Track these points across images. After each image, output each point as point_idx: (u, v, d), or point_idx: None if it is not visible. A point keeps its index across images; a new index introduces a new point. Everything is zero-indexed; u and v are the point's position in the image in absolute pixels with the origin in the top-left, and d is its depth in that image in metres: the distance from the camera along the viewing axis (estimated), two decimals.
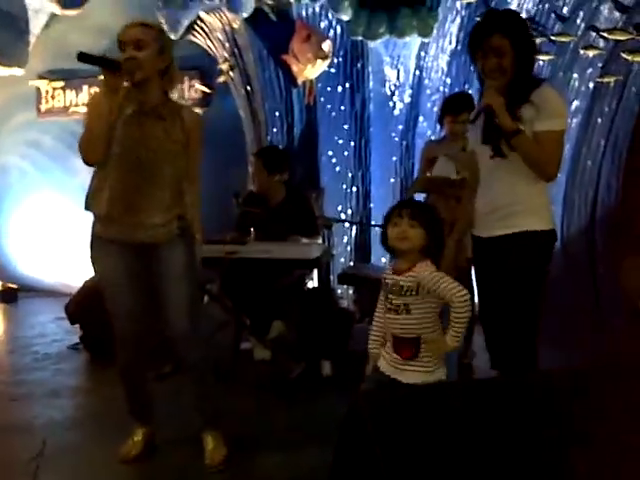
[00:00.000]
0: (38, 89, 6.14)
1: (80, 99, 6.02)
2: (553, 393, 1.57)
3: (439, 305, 2.07)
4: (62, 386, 3.44)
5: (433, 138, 4.46)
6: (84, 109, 5.87)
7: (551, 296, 4.47)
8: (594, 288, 4.85)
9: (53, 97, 6.13)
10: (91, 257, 2.46)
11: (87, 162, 2.33)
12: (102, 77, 2.26)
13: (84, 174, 6.55)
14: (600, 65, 4.55)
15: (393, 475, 1.43)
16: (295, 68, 4.44)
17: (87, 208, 2.41)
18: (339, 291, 4.50)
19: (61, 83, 6.04)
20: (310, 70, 4.35)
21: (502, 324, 2.28)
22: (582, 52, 4.48)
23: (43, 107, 6.19)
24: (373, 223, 4.78)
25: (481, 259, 2.40)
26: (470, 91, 4.75)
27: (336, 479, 1.67)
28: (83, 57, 2.24)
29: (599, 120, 4.71)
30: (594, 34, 4.45)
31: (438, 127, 4.03)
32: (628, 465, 1.43)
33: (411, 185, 4.62)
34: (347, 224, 4.85)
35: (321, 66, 4.35)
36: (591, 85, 4.61)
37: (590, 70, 4.57)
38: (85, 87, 5.97)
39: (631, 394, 1.60)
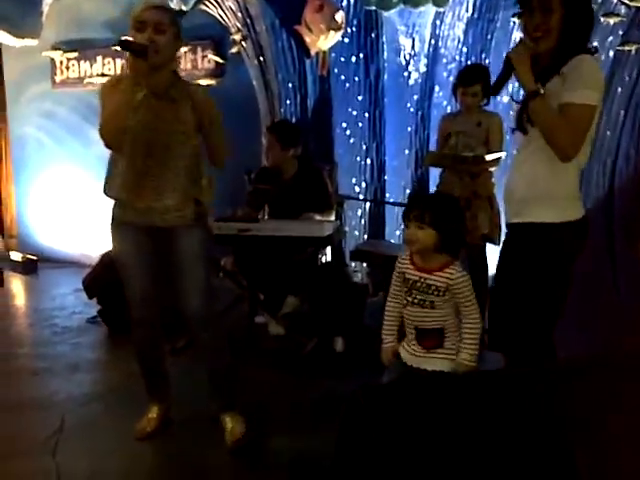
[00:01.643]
0: (52, 60, 6.11)
1: (95, 70, 5.99)
2: (554, 388, 1.58)
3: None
4: (81, 360, 3.53)
5: (449, 111, 4.40)
6: (99, 80, 5.90)
7: None
8: (611, 259, 4.80)
9: (67, 68, 6.11)
10: (111, 239, 2.52)
11: (111, 146, 2.33)
12: (130, 63, 2.23)
13: (100, 145, 6.58)
14: (621, 33, 4.43)
15: (389, 461, 1.47)
16: (308, 39, 4.37)
17: (105, 192, 2.45)
18: (353, 264, 4.51)
19: (75, 54, 6.01)
20: (323, 41, 4.28)
21: (511, 315, 2.17)
22: (602, 19, 4.34)
23: (58, 78, 6.17)
24: (386, 200, 4.76)
25: (504, 244, 2.29)
26: (487, 60, 4.66)
27: (339, 461, 1.72)
28: (123, 44, 2.21)
29: (619, 89, 4.60)
30: (615, 1, 4.31)
31: (454, 99, 3.98)
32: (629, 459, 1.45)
33: (423, 159, 4.59)
34: (361, 196, 4.83)
35: (334, 37, 4.28)
36: (611, 53, 4.49)
37: (610, 38, 4.44)
38: (99, 58, 5.93)
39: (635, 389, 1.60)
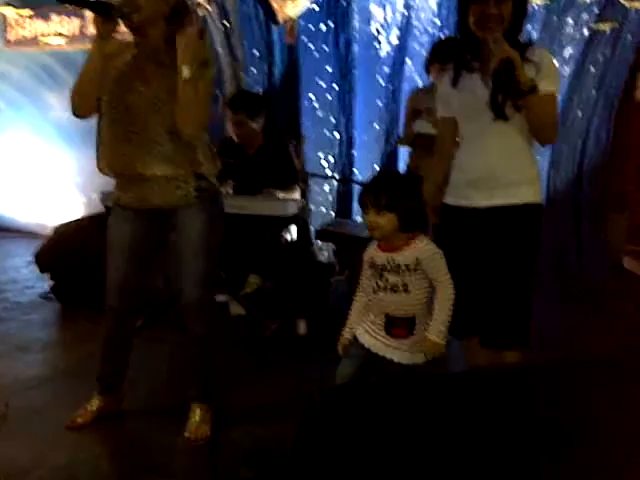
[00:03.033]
0: (4, 17, 5.77)
1: (51, 29, 5.67)
2: (532, 388, 1.51)
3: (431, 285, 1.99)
4: (31, 339, 3.34)
5: (420, 86, 4.26)
6: (55, 40, 5.60)
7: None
8: (577, 241, 4.80)
9: (21, 26, 5.78)
10: (107, 224, 2.35)
11: (75, 114, 2.20)
12: (94, 23, 2.08)
13: (57, 110, 6.26)
14: (596, 11, 4.34)
15: (347, 464, 1.39)
16: (275, 5, 4.19)
17: (98, 167, 2.29)
18: (319, 242, 4.40)
19: (29, 11, 5.67)
20: (291, 8, 4.10)
21: (494, 300, 2.19)
22: None
23: (11, 36, 5.84)
24: (355, 177, 4.64)
25: (466, 231, 2.24)
26: None
27: (297, 460, 1.63)
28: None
29: (592, 69, 4.53)
30: None
31: (425, 73, 3.84)
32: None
33: (398, 139, 4.46)
34: (329, 171, 4.70)
35: (303, 5, 4.10)
36: (586, 32, 4.41)
37: (585, 15, 4.36)
38: (54, 16, 5.62)
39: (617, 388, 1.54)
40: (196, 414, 2.41)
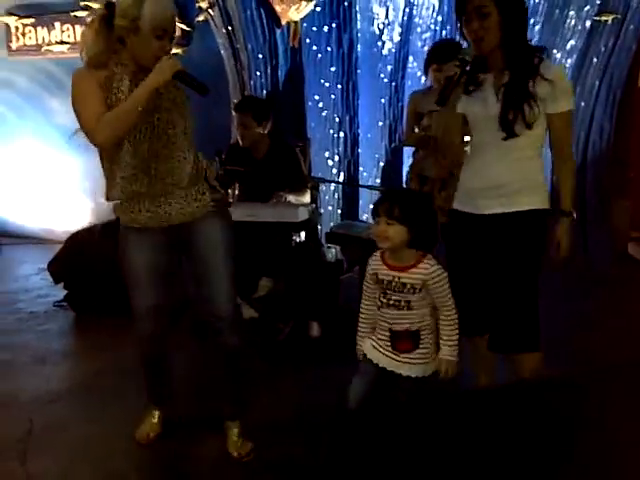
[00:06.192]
0: (7, 26, 5.79)
1: (53, 37, 5.69)
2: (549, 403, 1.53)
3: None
4: (49, 351, 3.37)
5: (418, 89, 4.25)
6: (58, 47, 5.61)
7: None
8: (583, 228, 4.82)
9: (24, 34, 5.79)
10: (119, 249, 2.26)
11: (102, 146, 2.09)
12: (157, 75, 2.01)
13: (61, 115, 6.28)
14: (598, 2, 4.34)
15: None
16: (278, 8, 4.19)
17: (109, 199, 2.20)
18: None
19: (31, 20, 5.68)
20: (294, 12, 4.10)
21: (500, 304, 2.26)
22: None
23: (14, 45, 5.85)
24: (360, 178, 4.66)
25: (474, 236, 2.31)
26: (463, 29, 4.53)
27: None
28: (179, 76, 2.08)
29: (595, 60, 4.54)
30: None
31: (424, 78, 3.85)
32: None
33: (402, 141, 4.48)
34: (334, 170, 4.72)
35: (306, 8, 4.10)
36: (588, 23, 4.41)
37: (587, 7, 4.36)
38: (57, 24, 5.63)
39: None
40: (234, 433, 2.39)
